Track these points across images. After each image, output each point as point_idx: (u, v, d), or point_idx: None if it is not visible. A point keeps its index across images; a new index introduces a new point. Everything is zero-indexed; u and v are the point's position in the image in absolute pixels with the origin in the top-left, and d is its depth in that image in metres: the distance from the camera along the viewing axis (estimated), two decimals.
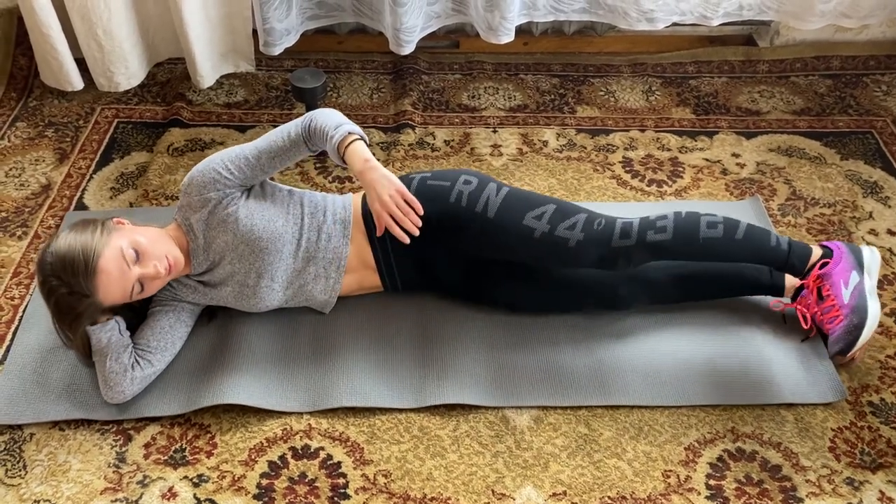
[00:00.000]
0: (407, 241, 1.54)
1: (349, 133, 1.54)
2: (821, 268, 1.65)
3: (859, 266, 1.66)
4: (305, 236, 1.64)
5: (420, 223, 1.54)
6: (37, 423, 1.57)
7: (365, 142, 1.56)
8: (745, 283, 1.77)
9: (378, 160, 2.15)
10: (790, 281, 1.74)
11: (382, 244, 1.67)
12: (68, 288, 1.45)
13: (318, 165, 2.18)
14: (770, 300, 1.79)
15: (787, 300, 1.77)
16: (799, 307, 1.72)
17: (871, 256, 1.69)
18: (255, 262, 1.60)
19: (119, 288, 1.48)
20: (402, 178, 1.70)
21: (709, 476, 1.51)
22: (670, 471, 1.52)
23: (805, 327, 1.70)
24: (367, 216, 1.68)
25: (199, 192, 1.58)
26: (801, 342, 1.72)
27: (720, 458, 1.54)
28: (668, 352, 1.70)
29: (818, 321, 1.68)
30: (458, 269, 1.71)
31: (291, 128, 1.58)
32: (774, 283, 1.75)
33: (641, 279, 1.73)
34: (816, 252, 1.67)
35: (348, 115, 2.34)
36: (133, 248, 1.49)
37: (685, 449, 1.55)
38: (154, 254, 1.51)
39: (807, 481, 1.50)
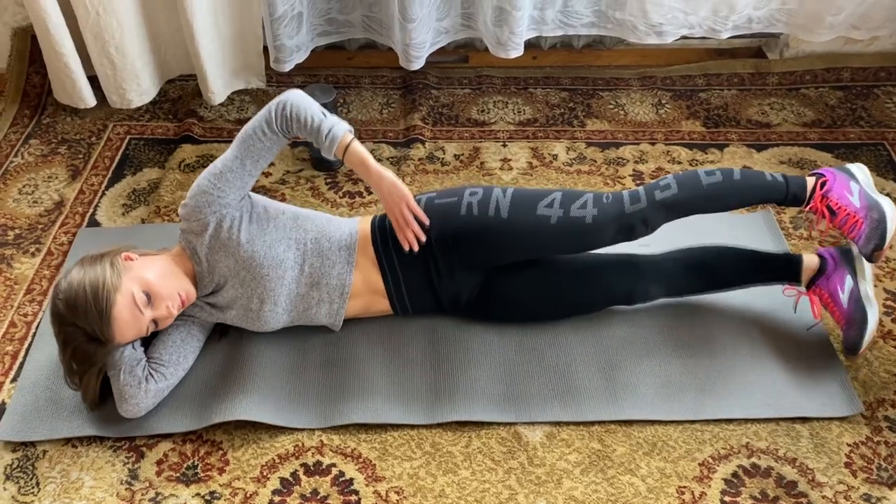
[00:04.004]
0: (407, 248, 1.62)
1: (344, 134, 1.55)
2: (821, 188, 1.69)
3: (853, 178, 1.72)
4: (308, 262, 1.64)
5: (423, 236, 1.61)
6: (49, 440, 1.57)
7: (352, 133, 1.58)
8: (761, 270, 1.76)
9: None
10: (807, 269, 1.73)
11: (391, 267, 1.67)
12: (85, 336, 1.47)
13: (328, 181, 2.19)
14: (780, 288, 1.79)
15: (801, 288, 1.76)
16: (812, 295, 1.73)
17: (859, 169, 1.75)
18: (256, 288, 1.60)
19: (134, 331, 1.51)
20: None
21: (724, 492, 1.49)
22: (685, 487, 1.50)
23: (816, 317, 1.73)
24: (376, 240, 1.68)
25: (196, 216, 1.57)
26: (807, 330, 1.76)
27: (735, 474, 1.52)
28: (681, 366, 1.69)
29: (840, 230, 1.70)
30: (476, 287, 1.70)
31: (264, 125, 1.55)
32: (790, 269, 1.75)
33: (656, 272, 1.73)
34: (810, 179, 1.72)
35: (358, 131, 2.38)
36: (144, 292, 1.50)
37: (699, 465, 1.54)
38: (166, 294, 1.52)
39: (823, 497, 1.48)
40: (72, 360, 1.51)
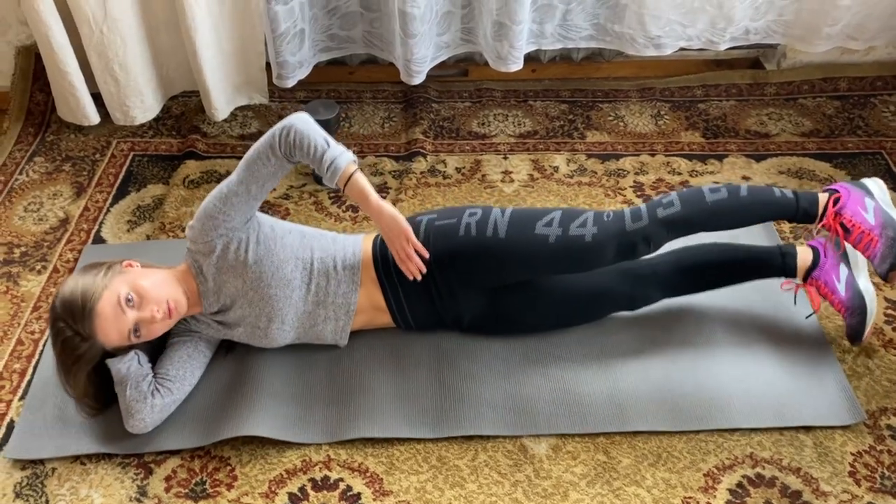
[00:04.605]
0: (410, 279, 1.62)
1: (347, 165, 1.54)
2: (834, 204, 1.67)
3: (868, 193, 1.70)
4: (315, 281, 1.65)
5: (424, 268, 1.60)
6: (58, 458, 1.58)
7: (356, 163, 1.57)
8: (756, 266, 1.77)
9: (390, 189, 2.22)
10: (801, 262, 1.75)
11: (393, 288, 1.68)
12: (72, 331, 1.48)
13: (332, 196, 2.21)
14: (781, 295, 1.81)
15: (798, 281, 1.77)
16: (809, 287, 1.74)
17: (875, 183, 1.74)
18: (265, 308, 1.61)
19: (115, 331, 1.50)
20: (408, 221, 1.68)
21: (729, 503, 1.50)
22: (690, 497, 1.51)
23: (815, 309, 1.75)
24: (377, 261, 1.69)
25: (203, 238, 1.59)
26: (805, 318, 1.80)
27: (739, 485, 1.53)
28: (684, 376, 1.70)
29: (855, 246, 1.68)
30: (478, 305, 1.71)
31: (268, 150, 1.55)
32: (786, 264, 1.75)
33: (650, 276, 1.75)
34: (822, 196, 1.70)
35: (360, 145, 2.40)
36: (133, 293, 1.51)
37: (704, 475, 1.55)
38: (154, 298, 1.52)
39: None
40: (61, 357, 1.51)
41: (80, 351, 1.49)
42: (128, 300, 1.50)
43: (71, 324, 1.48)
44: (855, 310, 1.69)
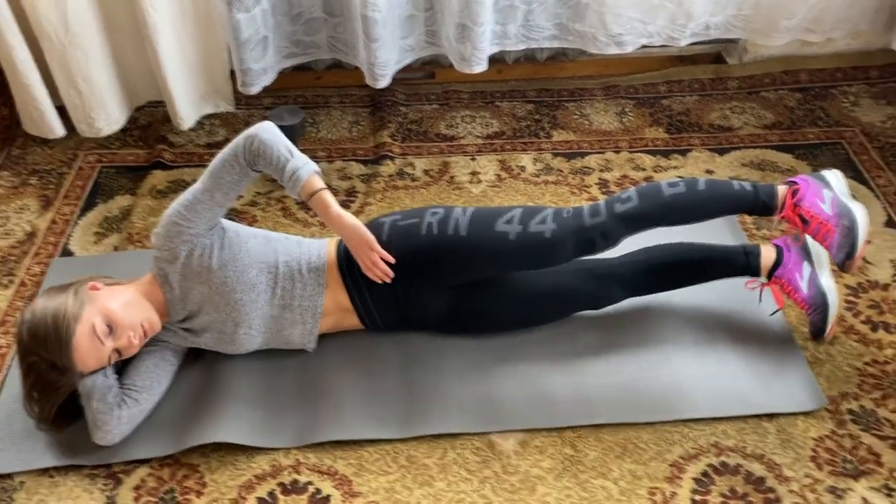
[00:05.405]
0: (379, 282, 1.64)
1: (309, 176, 1.55)
2: (793, 196, 1.69)
3: (827, 185, 1.73)
4: (280, 285, 1.65)
5: (391, 273, 1.62)
6: (26, 471, 1.58)
7: (319, 174, 1.58)
8: (720, 266, 1.79)
9: (359, 193, 2.23)
10: (765, 261, 1.77)
11: (358, 289, 1.69)
12: (47, 364, 1.48)
13: (299, 202, 2.20)
14: (742, 285, 1.81)
15: (762, 279, 1.79)
16: (773, 286, 1.77)
17: (833, 175, 1.77)
18: (231, 313, 1.62)
19: (95, 360, 1.51)
20: (372, 223, 1.72)
21: (694, 492, 1.53)
22: (656, 488, 1.53)
23: (779, 306, 1.77)
24: (342, 263, 1.70)
25: (167, 245, 1.59)
26: (769, 315, 1.81)
27: (705, 473, 1.56)
28: (650, 370, 1.72)
29: (814, 238, 1.70)
30: (443, 303, 1.72)
31: (232, 158, 1.57)
32: (749, 263, 1.77)
33: (615, 276, 1.77)
34: (781, 188, 1.72)
35: (328, 150, 2.41)
36: (106, 322, 1.51)
37: (670, 465, 1.57)
38: (127, 324, 1.53)
39: (790, 492, 1.52)
40: (33, 389, 1.52)
41: (58, 383, 1.50)
42: (102, 330, 1.51)
43: (45, 356, 1.48)
44: (817, 307, 1.72)
